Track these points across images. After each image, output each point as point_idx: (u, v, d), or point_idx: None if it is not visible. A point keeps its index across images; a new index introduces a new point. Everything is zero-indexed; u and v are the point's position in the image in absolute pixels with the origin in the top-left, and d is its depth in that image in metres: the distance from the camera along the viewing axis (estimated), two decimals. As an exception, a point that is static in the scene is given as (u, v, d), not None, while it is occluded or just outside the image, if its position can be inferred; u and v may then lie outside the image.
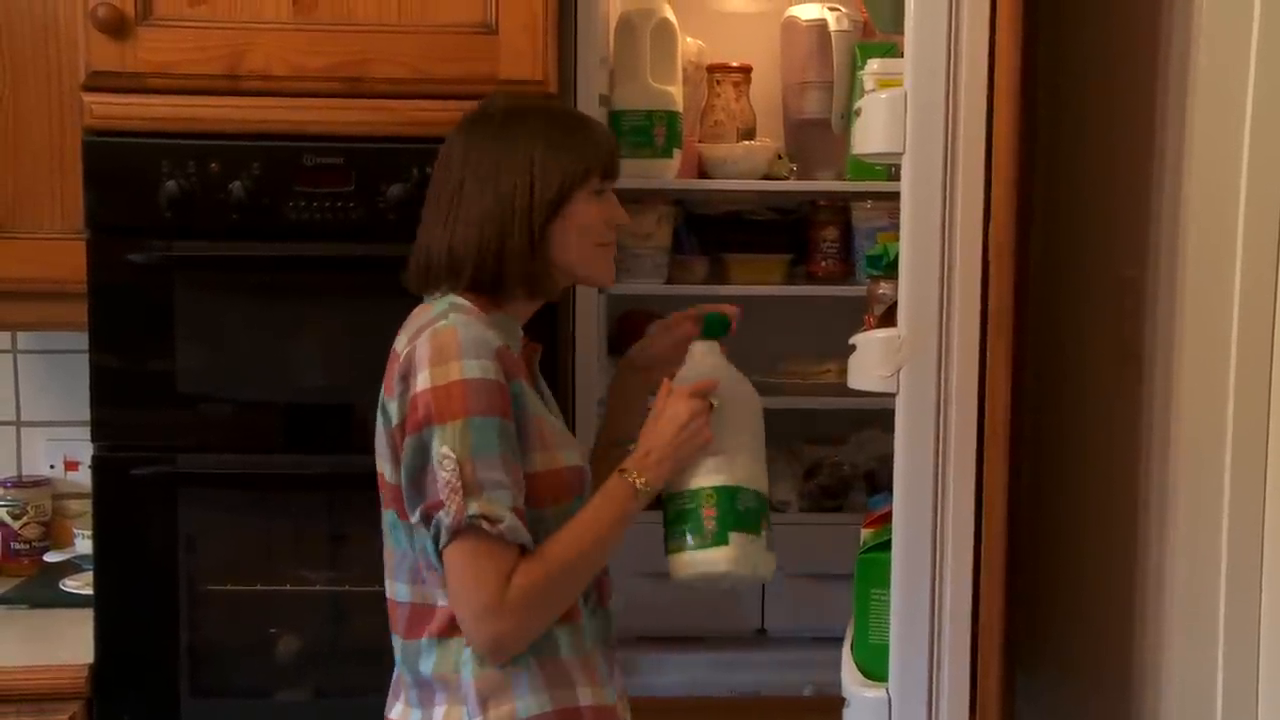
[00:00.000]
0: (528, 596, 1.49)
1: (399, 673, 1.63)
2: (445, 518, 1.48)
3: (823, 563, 2.39)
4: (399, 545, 1.59)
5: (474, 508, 1.47)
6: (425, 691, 1.58)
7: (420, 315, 1.59)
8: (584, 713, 1.56)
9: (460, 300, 1.57)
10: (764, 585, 2.46)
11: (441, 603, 1.55)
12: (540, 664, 1.55)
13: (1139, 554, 1.65)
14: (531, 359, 1.69)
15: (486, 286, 1.59)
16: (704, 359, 1.68)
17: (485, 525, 1.47)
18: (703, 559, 1.60)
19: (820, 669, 1.78)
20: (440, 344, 1.51)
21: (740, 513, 1.60)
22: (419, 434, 1.50)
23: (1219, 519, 1.42)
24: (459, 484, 1.47)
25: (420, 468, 1.50)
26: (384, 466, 1.59)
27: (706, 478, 1.61)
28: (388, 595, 1.62)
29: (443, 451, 1.48)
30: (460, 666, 1.54)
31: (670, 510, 1.64)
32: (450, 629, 1.55)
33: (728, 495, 1.60)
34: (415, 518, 1.52)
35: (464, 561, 1.49)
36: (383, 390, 1.57)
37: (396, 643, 1.62)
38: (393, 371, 1.55)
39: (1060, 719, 2.00)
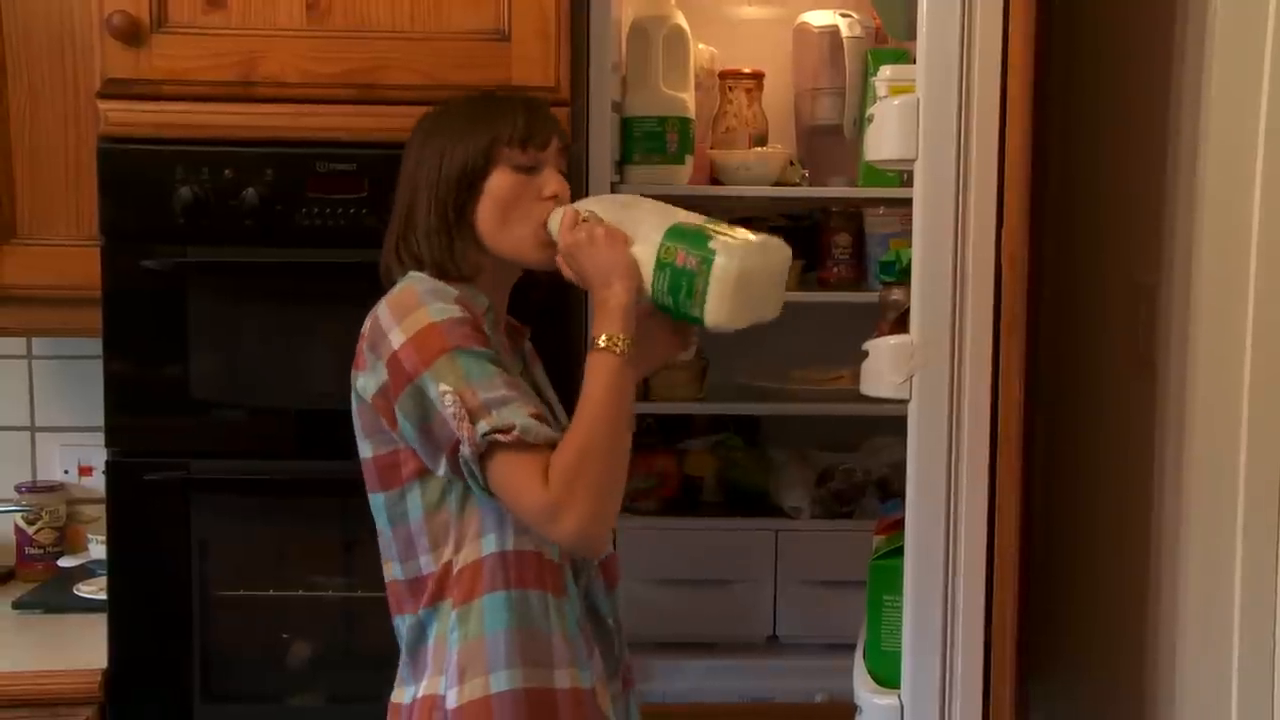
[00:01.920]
0: (567, 477, 1.48)
1: (402, 656, 1.64)
2: (466, 449, 1.49)
3: (835, 569, 2.38)
4: (384, 524, 1.61)
5: (484, 426, 1.48)
6: (418, 663, 1.60)
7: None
8: (558, 695, 1.56)
9: (417, 273, 1.61)
10: (776, 592, 2.47)
11: (428, 567, 1.57)
12: (520, 639, 1.55)
13: (1153, 562, 1.64)
14: (517, 338, 1.70)
15: (429, 268, 1.62)
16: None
17: (500, 438, 1.48)
18: (721, 281, 1.53)
19: (832, 676, 1.78)
20: (400, 300, 1.55)
21: (696, 233, 1.56)
22: (412, 385, 1.51)
23: (1233, 526, 1.41)
24: (464, 412, 1.48)
25: (425, 418, 1.51)
26: (362, 447, 1.61)
27: (650, 249, 1.56)
28: (385, 578, 1.64)
29: (440, 389, 1.49)
30: (450, 632, 1.56)
31: (662, 300, 1.58)
32: (437, 592, 1.57)
33: (676, 234, 1.56)
34: (442, 470, 1.53)
35: (502, 482, 1.50)
36: (353, 369, 1.59)
37: (396, 622, 1.63)
38: (359, 347, 1.58)
39: (1074, 727, 1.99)
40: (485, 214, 1.62)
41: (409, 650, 1.62)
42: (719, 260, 1.54)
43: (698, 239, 1.57)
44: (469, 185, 1.61)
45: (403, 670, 1.64)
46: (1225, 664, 1.43)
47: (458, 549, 1.57)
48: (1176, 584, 1.57)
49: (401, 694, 1.62)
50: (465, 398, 1.48)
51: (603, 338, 1.55)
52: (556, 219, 1.61)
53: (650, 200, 1.67)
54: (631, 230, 1.59)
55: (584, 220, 1.59)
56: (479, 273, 1.63)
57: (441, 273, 1.61)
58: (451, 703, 1.54)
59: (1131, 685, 1.69)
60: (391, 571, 1.63)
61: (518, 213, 1.62)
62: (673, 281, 1.57)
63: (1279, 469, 1.38)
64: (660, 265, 1.57)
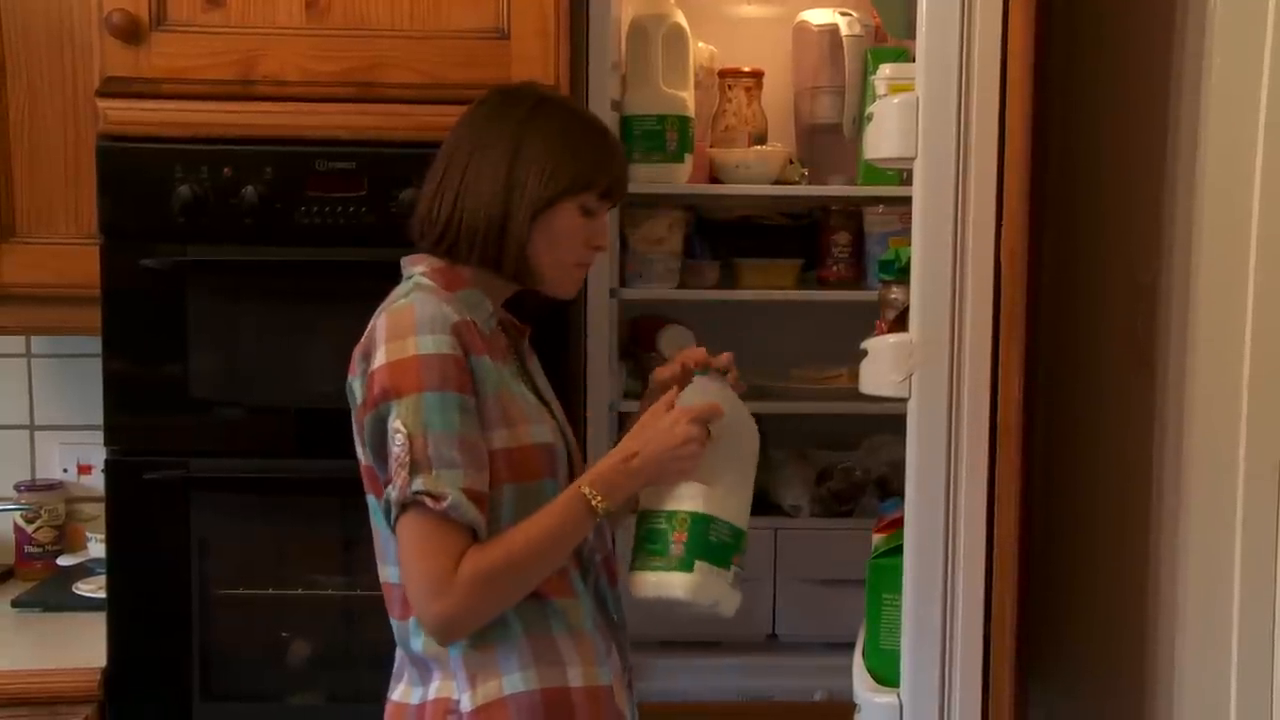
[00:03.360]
0: (474, 581, 1.48)
1: (399, 654, 1.64)
2: (392, 492, 1.50)
3: (834, 568, 2.38)
4: (380, 526, 1.60)
5: (419, 484, 1.47)
6: (422, 669, 1.59)
7: (389, 296, 1.61)
8: (572, 693, 1.56)
9: (425, 281, 1.60)
10: (775, 591, 2.46)
11: None
12: (530, 641, 1.55)
13: (1152, 561, 1.64)
14: (516, 337, 1.70)
15: (464, 256, 1.60)
16: (710, 385, 1.67)
17: (429, 502, 1.47)
18: (663, 581, 1.59)
19: (832, 674, 1.78)
20: (396, 321, 1.53)
21: (711, 544, 1.59)
22: (377, 409, 1.52)
23: (1233, 525, 1.41)
24: (407, 459, 1.48)
25: (381, 443, 1.52)
26: (360, 451, 1.60)
27: (684, 502, 1.60)
28: (381, 580, 1.63)
29: (395, 426, 1.49)
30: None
31: (641, 527, 1.63)
32: None
33: (702, 523, 1.59)
34: (388, 491, 1.53)
35: (409, 538, 1.50)
36: (349, 371, 1.59)
37: (394, 625, 1.63)
38: (355, 352, 1.57)
39: (1073, 725, 1.99)
40: (543, 239, 1.61)
41: (407, 650, 1.61)
42: (686, 578, 1.58)
43: (722, 555, 1.60)
44: (547, 203, 1.59)
45: (404, 670, 1.63)
46: (1224, 659, 1.43)
47: None
48: (1176, 579, 1.57)
49: (406, 693, 1.61)
50: (414, 444, 1.48)
51: (598, 494, 1.55)
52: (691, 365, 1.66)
53: (752, 457, 1.69)
54: (703, 473, 1.60)
55: (713, 419, 1.61)
56: (496, 274, 1.63)
57: (469, 263, 1.60)
58: (467, 706, 1.54)
59: (1132, 680, 1.69)
60: (387, 574, 1.62)
61: (565, 247, 1.63)
62: (660, 532, 1.60)
63: (1278, 464, 1.38)
64: (669, 514, 1.60)
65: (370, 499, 1.62)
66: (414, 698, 1.60)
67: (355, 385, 1.57)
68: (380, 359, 1.52)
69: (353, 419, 1.60)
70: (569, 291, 1.68)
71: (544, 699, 1.54)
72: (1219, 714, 1.44)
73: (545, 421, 1.62)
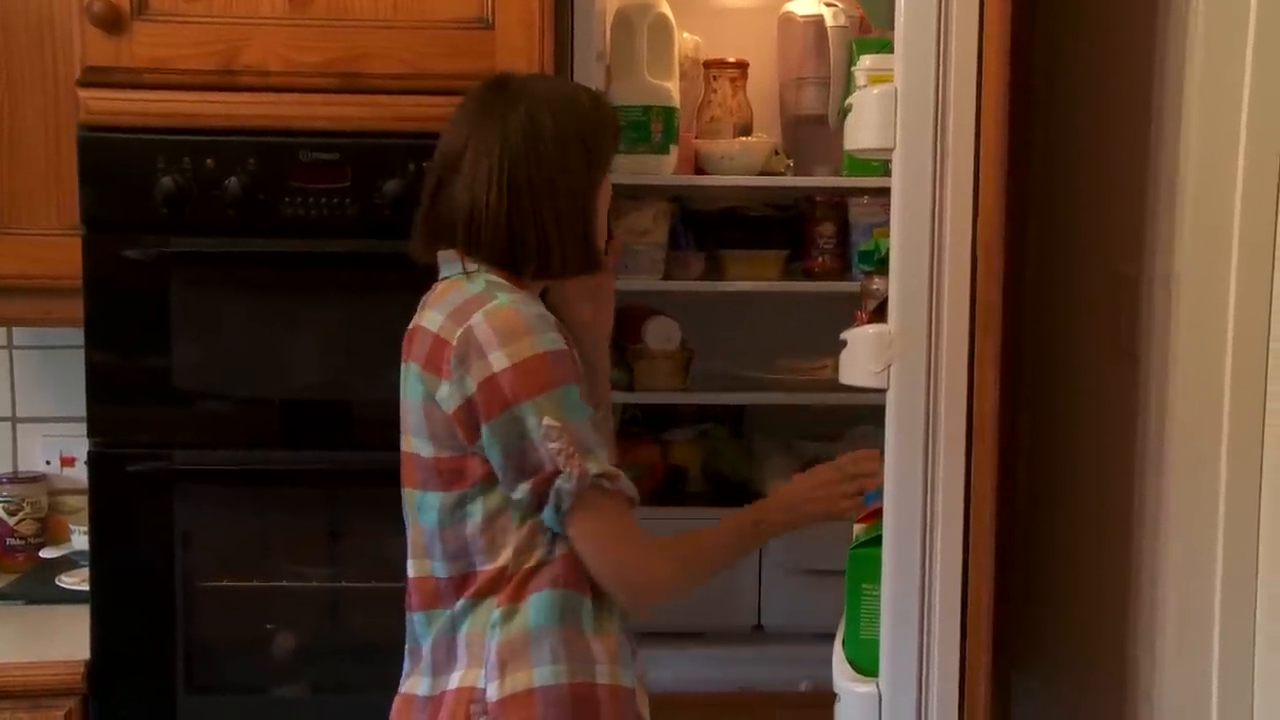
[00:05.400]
0: (669, 549, 1.61)
1: (418, 648, 1.63)
2: (566, 484, 1.51)
3: (818, 558, 2.39)
4: (431, 524, 1.59)
5: (594, 468, 1.52)
6: (447, 656, 1.58)
7: (451, 293, 1.59)
8: (599, 690, 1.57)
9: (497, 279, 1.59)
10: (760, 581, 2.47)
11: (482, 566, 1.57)
12: (564, 636, 1.56)
13: (1133, 552, 1.65)
14: None
15: (530, 267, 1.60)
16: None
17: (606, 484, 1.53)
18: None
19: (817, 664, 1.79)
20: (505, 323, 1.53)
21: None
22: (509, 412, 1.51)
23: (1214, 517, 1.42)
24: (573, 450, 1.51)
25: (518, 445, 1.52)
26: (418, 444, 1.59)
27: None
28: (413, 574, 1.63)
29: (547, 423, 1.51)
30: (489, 628, 1.56)
31: None
32: (486, 589, 1.57)
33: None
34: (519, 494, 1.53)
35: (600, 520, 1.55)
36: (416, 365, 1.57)
37: (418, 619, 1.62)
38: (434, 351, 1.55)
39: (1056, 713, 2.00)
40: (599, 216, 1.66)
41: (433, 644, 1.60)
42: None
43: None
44: (597, 185, 1.64)
45: (420, 663, 1.62)
46: (1205, 656, 1.43)
47: (517, 553, 1.56)
48: (1156, 574, 1.58)
49: (416, 685, 1.61)
50: (571, 436, 1.51)
51: (758, 520, 1.70)
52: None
53: None
54: None
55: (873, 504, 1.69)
56: (532, 276, 1.62)
57: (514, 265, 1.59)
58: (493, 695, 1.54)
59: (1112, 675, 1.70)
60: (427, 569, 1.61)
61: (604, 221, 1.68)
62: None
63: (1259, 458, 1.39)
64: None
65: (419, 494, 1.60)
66: (424, 689, 1.60)
67: (444, 389, 1.53)
68: (500, 362, 1.51)
69: (416, 413, 1.57)
70: (607, 263, 1.71)
71: (572, 693, 1.55)
72: (1199, 703, 1.45)
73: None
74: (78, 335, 1.98)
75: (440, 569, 1.59)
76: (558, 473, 1.51)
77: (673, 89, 2.50)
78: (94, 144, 1.94)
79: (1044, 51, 1.95)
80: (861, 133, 1.59)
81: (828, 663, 1.75)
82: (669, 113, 2.48)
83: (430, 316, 1.58)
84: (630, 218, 2.49)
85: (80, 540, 2.33)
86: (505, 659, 1.54)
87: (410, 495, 1.62)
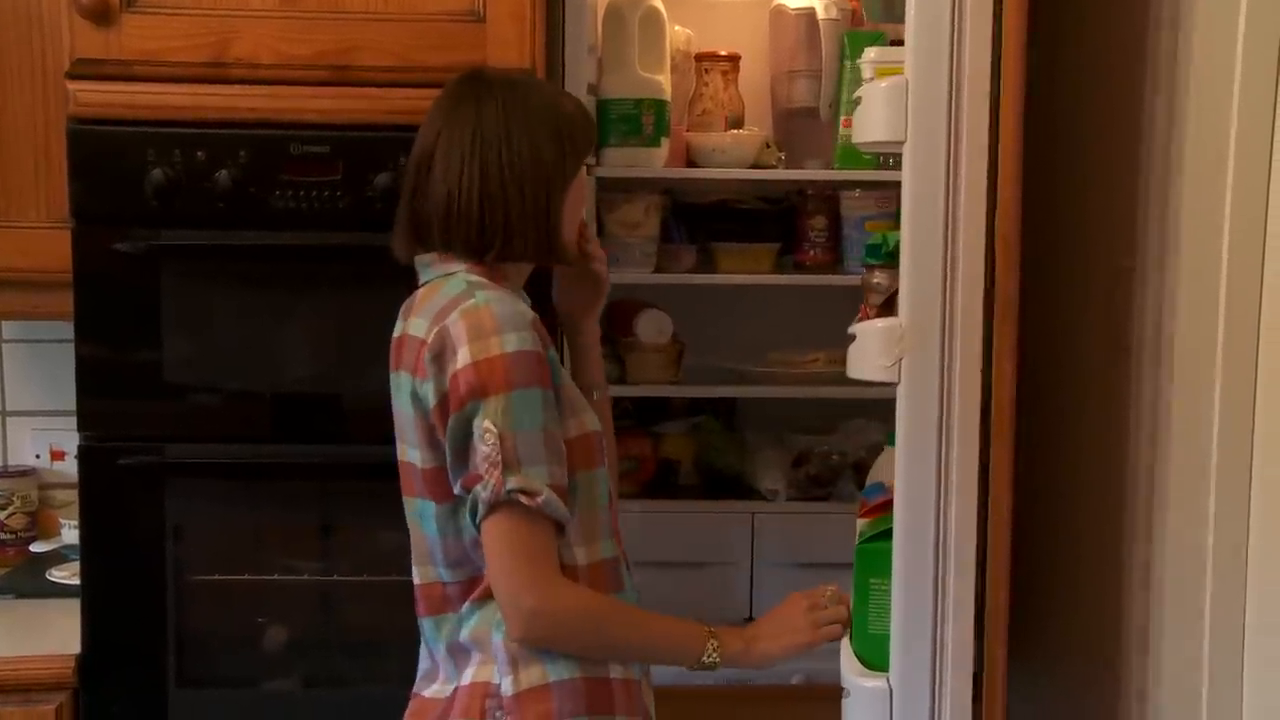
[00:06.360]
0: (576, 605, 1.55)
1: (430, 653, 1.63)
2: (483, 491, 1.49)
3: (811, 552, 2.40)
4: (431, 532, 1.58)
5: (512, 482, 1.48)
6: (460, 657, 1.59)
7: (432, 297, 1.58)
8: (613, 685, 1.58)
9: (476, 277, 1.58)
10: (752, 574, 2.48)
11: (485, 570, 1.56)
12: None
13: (1128, 544, 1.65)
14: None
15: (493, 251, 1.58)
16: None
17: (523, 499, 1.48)
18: None
19: (808, 657, 1.78)
20: (476, 320, 1.51)
21: None
22: (462, 410, 1.50)
23: (1205, 511, 1.42)
24: (498, 458, 1.48)
25: (463, 443, 1.51)
26: (411, 453, 1.58)
27: None
28: (418, 581, 1.62)
29: (484, 425, 1.48)
30: (494, 628, 1.55)
31: None
32: (491, 592, 1.55)
33: None
34: (458, 490, 1.53)
35: (504, 535, 1.50)
36: (406, 373, 1.56)
37: (427, 625, 1.62)
38: (419, 354, 1.54)
39: (1051, 707, 2.01)
40: (570, 211, 1.64)
41: (445, 643, 1.60)
42: None
43: None
44: (573, 175, 1.63)
45: (436, 667, 1.62)
46: (1196, 649, 1.44)
47: None
48: (1150, 565, 1.58)
49: (434, 688, 1.61)
50: (505, 443, 1.48)
51: (716, 652, 1.64)
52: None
53: None
54: None
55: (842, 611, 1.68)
56: (512, 269, 1.62)
57: (498, 259, 1.59)
58: (508, 690, 1.54)
59: (1108, 663, 1.70)
60: (433, 575, 1.60)
61: (578, 213, 1.66)
62: None
63: (1249, 454, 1.39)
64: None
65: (418, 502, 1.59)
66: (446, 692, 1.60)
67: (424, 388, 1.53)
68: (464, 359, 1.49)
69: (407, 420, 1.57)
70: (572, 258, 1.69)
71: (586, 687, 1.55)
72: (1192, 695, 1.46)
73: (590, 409, 1.63)
74: (67, 328, 1.97)
75: (446, 574, 1.59)
76: (479, 478, 1.50)
77: (664, 82, 2.50)
78: (83, 136, 1.93)
79: (1045, 44, 1.95)
80: (870, 126, 1.56)
81: (819, 656, 1.75)
82: (660, 106, 2.48)
83: (415, 324, 1.57)
84: (622, 211, 2.49)
85: (71, 534, 2.33)
86: (516, 655, 1.54)
87: (410, 503, 1.62)
